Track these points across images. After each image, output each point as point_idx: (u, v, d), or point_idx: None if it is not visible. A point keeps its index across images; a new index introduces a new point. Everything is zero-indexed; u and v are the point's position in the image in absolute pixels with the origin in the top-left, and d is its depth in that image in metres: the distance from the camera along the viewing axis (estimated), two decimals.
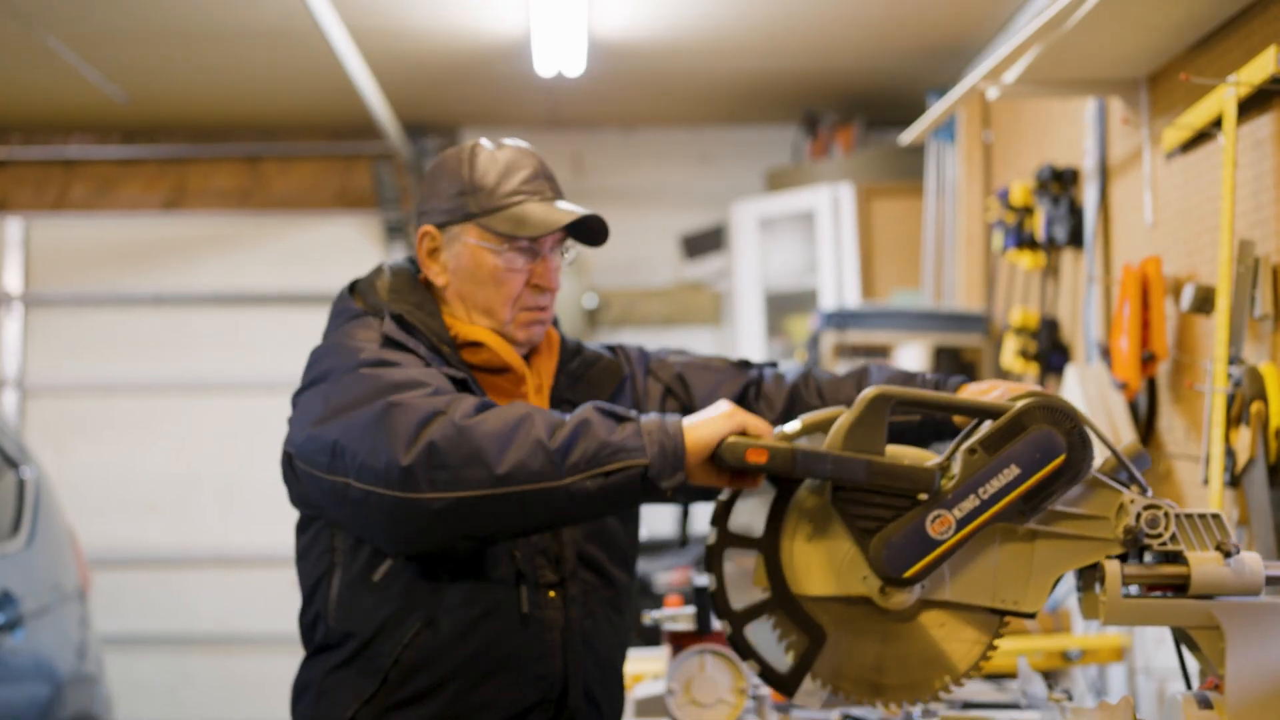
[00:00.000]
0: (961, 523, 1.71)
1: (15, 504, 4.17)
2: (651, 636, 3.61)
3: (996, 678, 3.02)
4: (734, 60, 5.44)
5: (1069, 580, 1.84)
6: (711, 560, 1.79)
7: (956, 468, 1.73)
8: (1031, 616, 1.78)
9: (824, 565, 1.77)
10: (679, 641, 2.44)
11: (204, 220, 6.58)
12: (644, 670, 2.94)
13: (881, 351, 4.79)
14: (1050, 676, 3.43)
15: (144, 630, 6.31)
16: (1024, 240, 4.13)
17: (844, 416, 1.74)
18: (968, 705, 2.52)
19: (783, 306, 5.94)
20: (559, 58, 5.13)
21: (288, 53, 5.25)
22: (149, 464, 6.48)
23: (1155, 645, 3.25)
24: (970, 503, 1.71)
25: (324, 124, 6.41)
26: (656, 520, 6.15)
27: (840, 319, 4.80)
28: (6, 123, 6.37)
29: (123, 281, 6.57)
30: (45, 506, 4.32)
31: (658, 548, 4.56)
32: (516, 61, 5.34)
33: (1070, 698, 2.12)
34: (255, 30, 4.98)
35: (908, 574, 1.71)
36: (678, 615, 2.49)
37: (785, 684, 1.78)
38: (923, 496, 1.73)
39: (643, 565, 4.40)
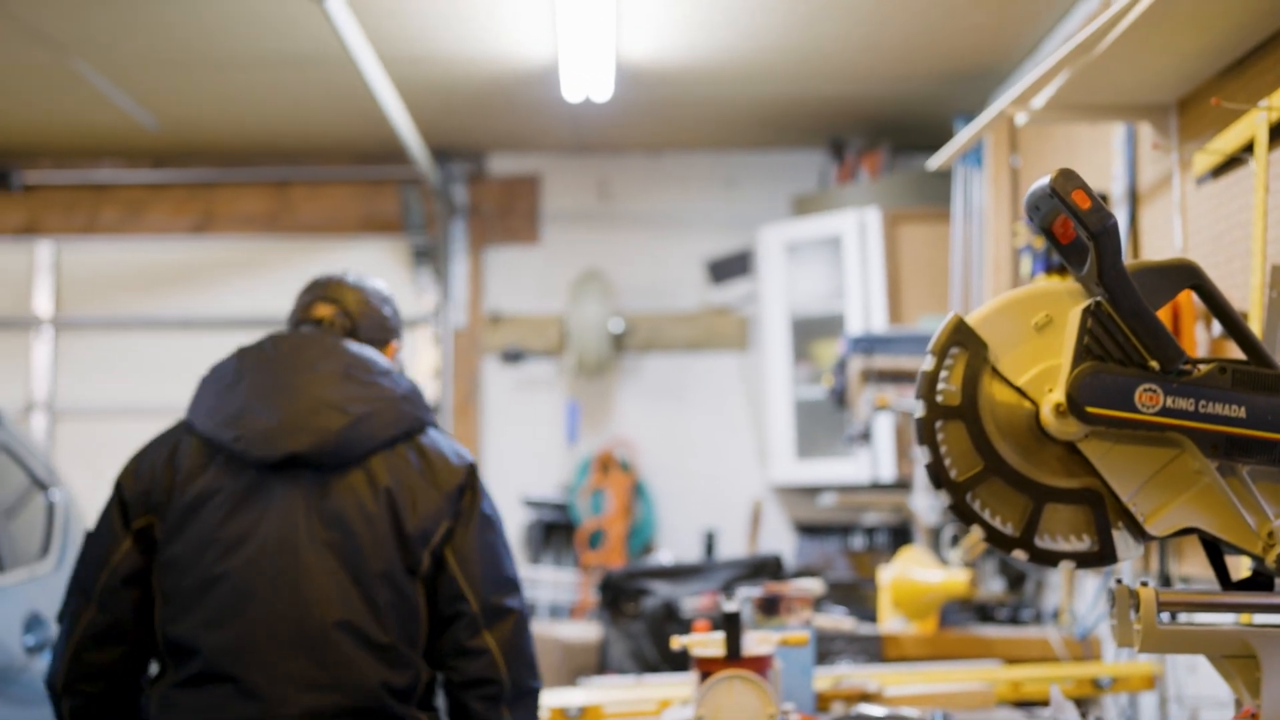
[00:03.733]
0: (1165, 412, 1.69)
1: (45, 527, 4.18)
2: (680, 661, 3.60)
3: (1028, 705, 3.00)
4: (760, 85, 5.45)
5: (1101, 606, 1.83)
6: (924, 432, 1.74)
7: (1200, 371, 1.71)
8: (1144, 538, 1.73)
9: (1021, 365, 1.74)
10: (707, 667, 2.43)
11: (232, 244, 6.62)
12: (673, 696, 2.93)
13: (909, 377, 4.77)
14: (1082, 704, 3.40)
15: None
16: (1052, 265, 4.11)
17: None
18: None
19: (809, 331, 5.93)
20: (587, 83, 5.15)
21: (316, 79, 5.29)
22: None
23: (1187, 673, 3.22)
24: (1186, 404, 1.69)
25: (352, 149, 6.45)
26: (683, 546, 6.14)
27: (867, 344, 4.78)
28: (38, 147, 6.43)
29: (152, 304, 6.62)
30: (74, 529, 4.34)
31: (685, 573, 4.53)
32: (544, 86, 5.36)
33: None
34: (285, 57, 5.02)
35: (1090, 409, 1.68)
36: (706, 640, 2.48)
37: (1015, 545, 1.74)
38: (1154, 364, 1.70)
39: (670, 590, 4.39)
